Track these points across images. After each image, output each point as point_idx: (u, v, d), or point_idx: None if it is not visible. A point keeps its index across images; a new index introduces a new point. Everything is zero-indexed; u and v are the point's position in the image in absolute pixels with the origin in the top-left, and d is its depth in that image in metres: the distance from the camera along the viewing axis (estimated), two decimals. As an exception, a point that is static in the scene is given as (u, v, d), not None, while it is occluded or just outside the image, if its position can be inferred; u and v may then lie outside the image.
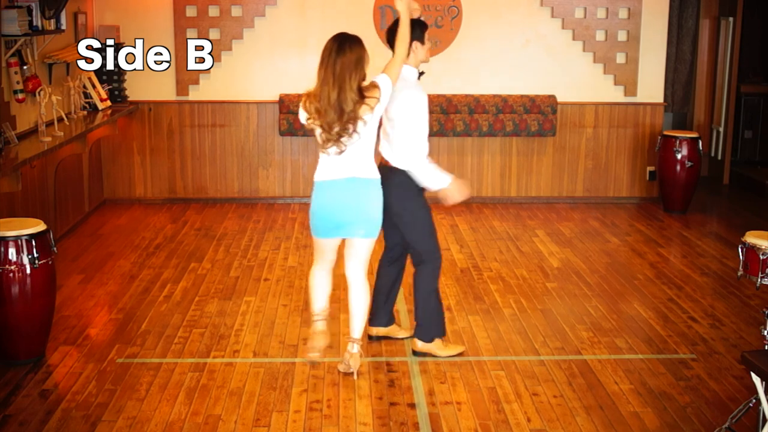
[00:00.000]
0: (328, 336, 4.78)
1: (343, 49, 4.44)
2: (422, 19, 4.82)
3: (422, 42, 4.77)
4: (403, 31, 4.58)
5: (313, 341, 4.74)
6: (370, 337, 5.18)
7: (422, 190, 4.86)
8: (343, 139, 4.47)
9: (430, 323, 4.97)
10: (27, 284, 4.74)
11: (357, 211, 4.59)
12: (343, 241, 4.76)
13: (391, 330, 5.24)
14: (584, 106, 8.96)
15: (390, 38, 4.72)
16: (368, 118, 4.48)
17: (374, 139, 4.60)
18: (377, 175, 4.64)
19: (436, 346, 4.99)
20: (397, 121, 4.73)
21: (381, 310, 5.20)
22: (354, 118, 4.43)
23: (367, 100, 4.45)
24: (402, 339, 5.22)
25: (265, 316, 5.66)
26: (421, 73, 4.83)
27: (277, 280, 6.39)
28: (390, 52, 4.66)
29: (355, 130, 4.46)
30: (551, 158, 9.00)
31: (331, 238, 4.71)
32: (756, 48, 10.52)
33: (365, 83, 4.51)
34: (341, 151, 4.51)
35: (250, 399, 4.47)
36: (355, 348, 4.74)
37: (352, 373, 4.72)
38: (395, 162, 4.77)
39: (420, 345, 4.99)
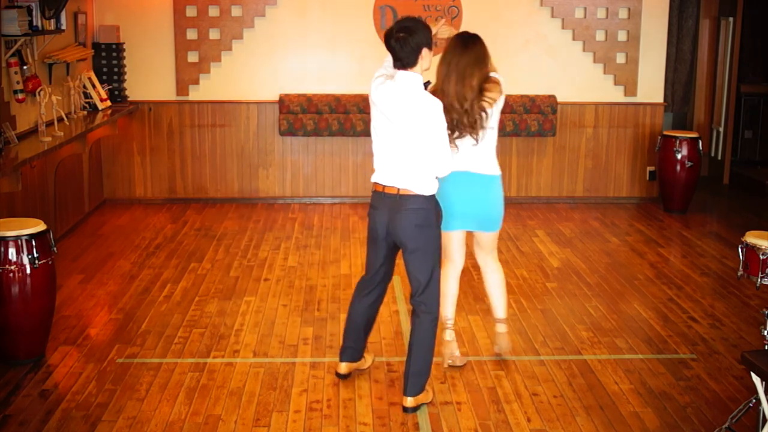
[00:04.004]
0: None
1: (466, 46, 4.62)
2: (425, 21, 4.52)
3: (431, 48, 4.29)
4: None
5: (446, 350, 4.91)
6: (338, 375, 4.70)
7: (439, 219, 4.46)
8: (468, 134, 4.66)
9: (424, 376, 4.44)
10: (27, 284, 4.74)
11: (479, 205, 4.77)
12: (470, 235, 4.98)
13: (360, 363, 4.78)
14: (584, 106, 8.96)
15: (387, 42, 4.29)
16: (489, 112, 4.64)
17: (495, 136, 4.77)
18: (497, 171, 4.80)
19: (424, 396, 4.45)
20: (431, 133, 4.23)
21: (357, 347, 4.71)
22: (472, 114, 4.57)
23: (486, 96, 4.61)
24: (367, 368, 4.83)
25: (265, 316, 5.66)
26: (426, 83, 4.33)
27: (277, 280, 6.40)
28: (386, 53, 4.41)
29: (481, 126, 4.64)
30: (551, 158, 9.00)
31: (457, 231, 4.86)
32: (756, 48, 10.51)
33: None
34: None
35: (250, 399, 4.47)
36: (502, 328, 5.01)
37: (500, 355, 5.01)
38: (423, 181, 4.30)
39: (410, 401, 4.37)
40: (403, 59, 4.21)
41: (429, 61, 4.30)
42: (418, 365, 4.37)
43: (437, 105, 4.23)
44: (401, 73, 4.24)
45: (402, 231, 4.32)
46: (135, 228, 7.86)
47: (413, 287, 4.42)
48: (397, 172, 4.29)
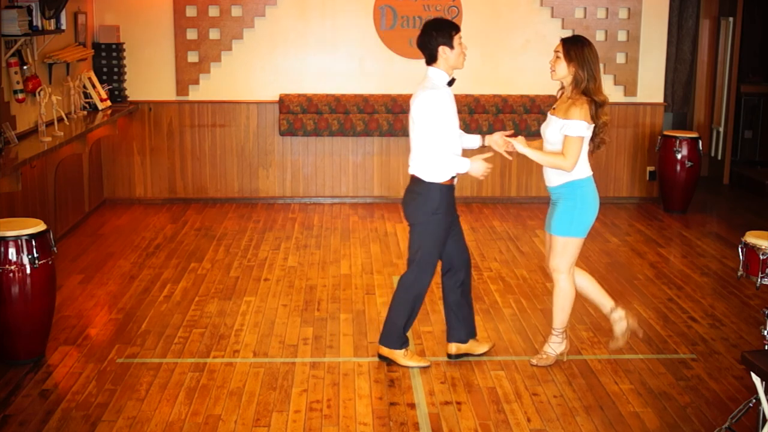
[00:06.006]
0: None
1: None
2: (451, 20, 4.83)
3: (451, 47, 4.63)
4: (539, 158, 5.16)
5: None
6: (450, 356, 4.95)
7: (444, 210, 4.72)
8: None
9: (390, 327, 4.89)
10: (27, 284, 4.74)
11: None
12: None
13: (469, 346, 4.99)
14: (584, 106, 8.95)
15: (419, 44, 4.71)
16: None
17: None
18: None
19: (390, 353, 4.91)
20: (417, 124, 4.64)
21: (456, 327, 4.97)
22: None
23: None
24: (481, 354, 5.00)
25: (265, 316, 5.66)
26: (452, 80, 4.71)
27: (277, 280, 6.40)
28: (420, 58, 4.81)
29: None
30: (551, 158, 8.99)
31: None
32: (756, 48, 10.52)
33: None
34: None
35: (250, 399, 4.47)
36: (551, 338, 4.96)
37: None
38: (414, 168, 4.73)
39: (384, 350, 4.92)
40: (425, 57, 4.70)
41: (457, 59, 4.68)
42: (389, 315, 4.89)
43: (426, 99, 4.57)
44: (428, 69, 4.71)
45: (403, 205, 4.87)
46: (135, 228, 7.86)
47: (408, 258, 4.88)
48: (411, 155, 4.75)
